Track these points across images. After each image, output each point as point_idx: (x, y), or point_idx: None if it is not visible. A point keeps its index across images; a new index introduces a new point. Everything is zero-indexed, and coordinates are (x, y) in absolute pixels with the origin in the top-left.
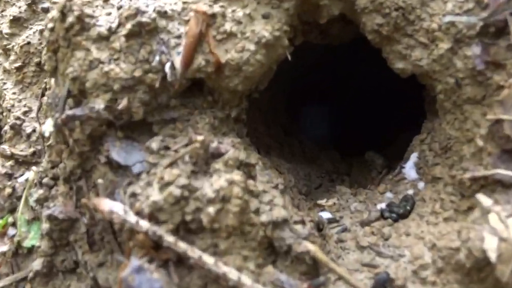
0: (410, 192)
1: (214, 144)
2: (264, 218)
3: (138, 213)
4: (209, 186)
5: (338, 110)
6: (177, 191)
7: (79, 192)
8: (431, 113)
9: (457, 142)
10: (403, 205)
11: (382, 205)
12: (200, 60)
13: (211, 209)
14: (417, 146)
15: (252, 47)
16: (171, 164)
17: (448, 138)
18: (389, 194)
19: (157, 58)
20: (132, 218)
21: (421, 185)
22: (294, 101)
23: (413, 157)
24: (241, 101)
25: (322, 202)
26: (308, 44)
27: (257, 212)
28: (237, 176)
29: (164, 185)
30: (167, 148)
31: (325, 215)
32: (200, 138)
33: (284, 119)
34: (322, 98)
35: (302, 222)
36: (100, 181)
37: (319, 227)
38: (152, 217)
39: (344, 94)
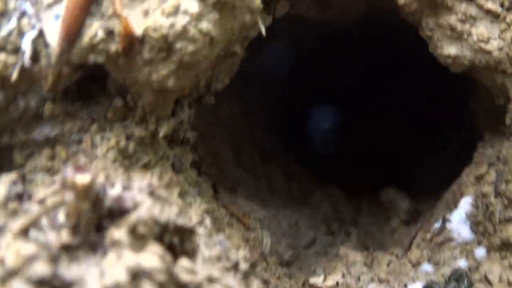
0: (463, 264)
1: (113, 191)
2: None
3: None
4: (96, 278)
5: (340, 127)
6: None
7: None
8: (493, 131)
9: None
10: (452, 287)
11: (418, 287)
12: (95, 30)
13: None
14: (470, 186)
15: (193, 6)
16: (24, 231)
17: None
18: (427, 266)
19: (12, 24)
20: None
21: (480, 252)
22: (277, 113)
23: (465, 203)
24: (181, 109)
25: (317, 280)
26: (299, 22)
27: None
28: (152, 257)
29: (6, 276)
30: (21, 197)
31: None
32: (81, 178)
33: (262, 139)
34: (317, 109)
35: None
36: None
37: None
38: None
39: (347, 105)
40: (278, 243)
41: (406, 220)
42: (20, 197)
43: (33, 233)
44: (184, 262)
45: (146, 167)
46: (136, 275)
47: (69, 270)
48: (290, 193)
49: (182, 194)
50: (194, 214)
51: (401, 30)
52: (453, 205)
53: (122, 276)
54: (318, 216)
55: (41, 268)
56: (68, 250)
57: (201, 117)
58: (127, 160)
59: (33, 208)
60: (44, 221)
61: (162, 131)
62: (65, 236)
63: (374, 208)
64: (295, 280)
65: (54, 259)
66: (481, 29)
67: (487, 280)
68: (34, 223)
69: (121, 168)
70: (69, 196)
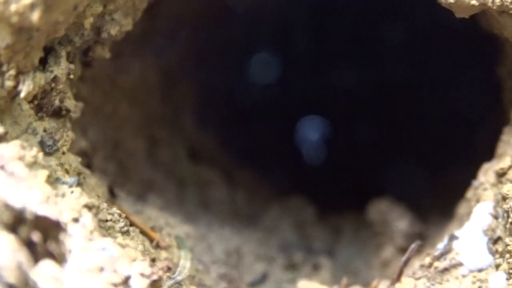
0: None
1: None
2: None
3: None
4: None
5: (306, 116)
6: None
7: None
8: None
9: None
10: None
11: None
12: None
13: None
14: (490, 188)
15: None
16: None
17: None
18: None
19: None
20: None
21: (498, 281)
22: (219, 87)
23: (481, 213)
24: (55, 60)
25: None
26: None
27: None
28: None
29: None
30: None
31: None
32: None
33: (192, 126)
34: (273, 91)
35: None
36: None
37: None
38: None
39: (317, 84)
40: (205, 272)
41: (404, 248)
42: None
43: None
44: (46, 265)
45: (1, 140)
46: None
47: None
48: (232, 206)
49: (51, 182)
50: (67, 208)
51: None
52: (465, 217)
53: None
54: (273, 241)
55: None
56: None
57: (92, 84)
58: None
59: None
60: None
61: (25, 89)
62: None
63: (358, 230)
64: None
65: None
66: None
67: None
68: None
69: None
70: None
